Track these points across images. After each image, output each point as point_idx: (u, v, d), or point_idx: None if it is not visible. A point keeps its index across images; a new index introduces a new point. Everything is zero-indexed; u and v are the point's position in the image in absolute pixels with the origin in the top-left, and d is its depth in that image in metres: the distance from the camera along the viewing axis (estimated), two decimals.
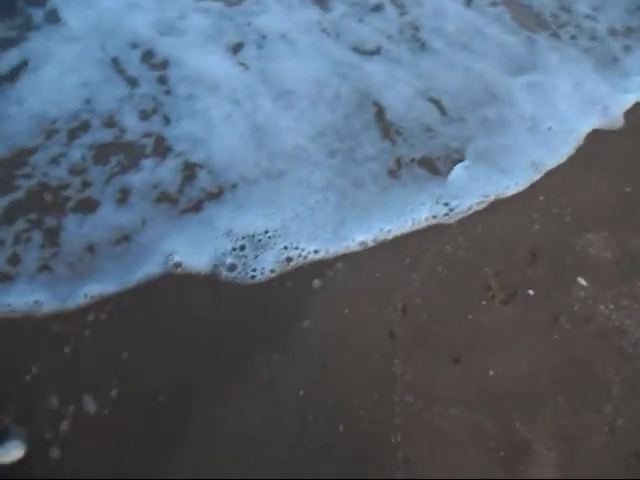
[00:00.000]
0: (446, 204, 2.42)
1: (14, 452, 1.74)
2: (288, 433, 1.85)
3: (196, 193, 2.43)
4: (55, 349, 1.99)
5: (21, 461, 1.76)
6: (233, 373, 1.97)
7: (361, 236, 2.32)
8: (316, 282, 2.18)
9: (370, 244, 2.30)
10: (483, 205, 2.44)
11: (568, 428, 1.92)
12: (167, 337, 2.06)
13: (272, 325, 2.08)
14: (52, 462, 1.77)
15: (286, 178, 2.49)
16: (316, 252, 2.26)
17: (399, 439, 1.82)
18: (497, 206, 2.46)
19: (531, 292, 2.22)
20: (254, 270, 2.20)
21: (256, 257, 2.22)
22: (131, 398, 1.91)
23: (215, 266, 2.20)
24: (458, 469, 1.79)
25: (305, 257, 2.25)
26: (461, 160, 2.59)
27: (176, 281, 2.17)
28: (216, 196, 2.42)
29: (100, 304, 2.10)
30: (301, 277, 2.20)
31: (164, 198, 2.41)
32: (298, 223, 2.35)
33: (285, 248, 2.26)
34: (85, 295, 2.11)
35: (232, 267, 2.21)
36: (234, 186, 2.45)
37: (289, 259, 2.23)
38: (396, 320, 2.09)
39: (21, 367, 1.96)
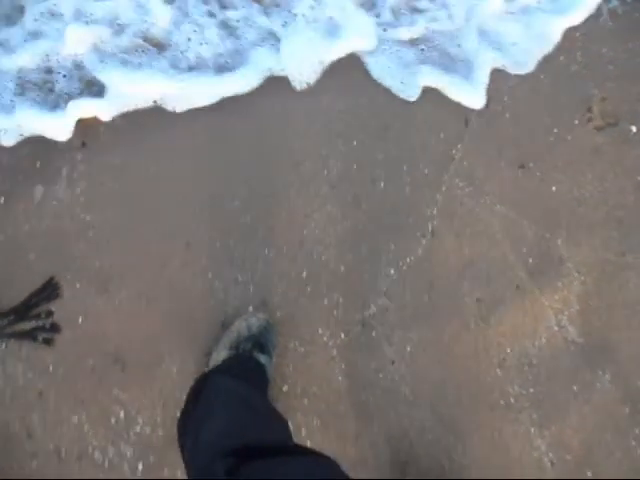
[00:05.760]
0: None
1: None
2: (334, 179, 1.87)
3: None
4: None
5: None
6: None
7: None
8: None
9: None
10: None
11: (608, 264, 1.85)
12: None
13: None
14: None
15: None
16: None
17: (434, 212, 1.82)
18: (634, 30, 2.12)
19: (634, 129, 1.99)
20: None
21: None
22: None
23: None
24: (480, 256, 1.80)
25: None
26: None
27: None
28: None
29: None
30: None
31: None
32: None
33: None
34: None
35: None
36: None
37: None
38: (475, 111, 1.97)
39: None
